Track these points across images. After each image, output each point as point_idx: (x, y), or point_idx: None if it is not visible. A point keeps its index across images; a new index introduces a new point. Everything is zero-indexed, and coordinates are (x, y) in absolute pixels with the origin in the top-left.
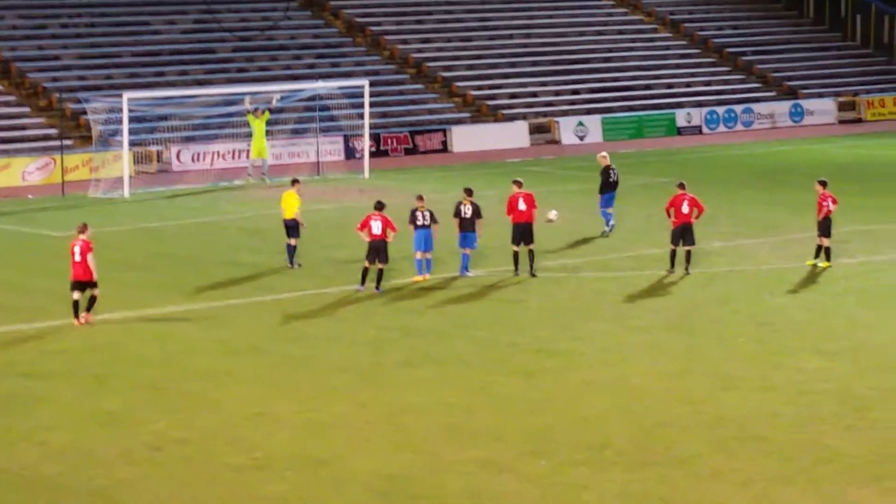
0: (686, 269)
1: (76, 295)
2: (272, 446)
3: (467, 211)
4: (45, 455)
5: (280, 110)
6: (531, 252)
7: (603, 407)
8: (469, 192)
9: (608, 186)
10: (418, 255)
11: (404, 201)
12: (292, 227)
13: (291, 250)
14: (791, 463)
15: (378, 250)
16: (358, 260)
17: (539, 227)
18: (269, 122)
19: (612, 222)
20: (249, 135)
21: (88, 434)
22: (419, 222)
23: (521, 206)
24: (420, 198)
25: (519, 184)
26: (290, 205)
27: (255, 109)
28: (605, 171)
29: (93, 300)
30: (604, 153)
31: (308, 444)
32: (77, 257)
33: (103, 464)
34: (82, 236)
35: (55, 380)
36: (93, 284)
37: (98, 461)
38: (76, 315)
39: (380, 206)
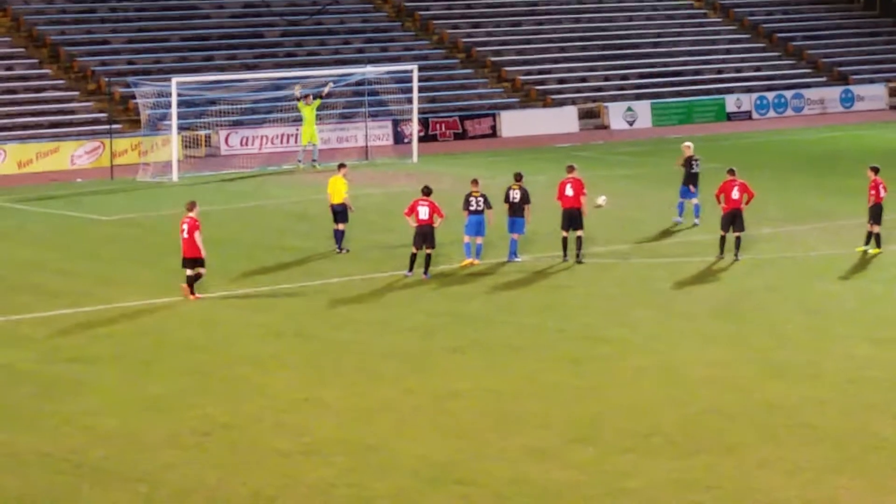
0: (735, 255)
1: (188, 271)
2: (319, 431)
3: (515, 196)
4: (91, 440)
5: (328, 95)
6: (579, 239)
7: (651, 394)
8: (518, 176)
9: (690, 177)
10: (467, 239)
11: (452, 186)
12: (340, 212)
13: (339, 235)
14: (840, 451)
15: (425, 235)
16: (406, 245)
17: (588, 213)
18: (318, 108)
19: (680, 216)
20: (298, 120)
21: (135, 419)
22: (472, 207)
23: (568, 191)
24: (475, 182)
25: (571, 169)
26: (338, 189)
27: (306, 96)
28: (688, 162)
29: (197, 277)
30: (688, 143)
31: (355, 430)
32: (185, 234)
33: (150, 448)
34: (191, 214)
35: (101, 364)
36: (200, 262)
37: (144, 446)
38: (191, 290)
39: (427, 192)
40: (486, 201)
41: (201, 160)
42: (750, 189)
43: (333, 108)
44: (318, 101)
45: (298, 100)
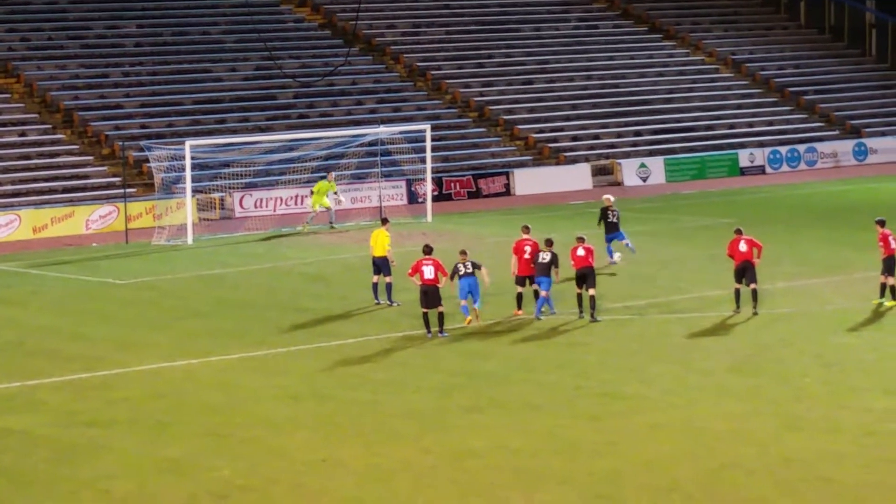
0: (754, 308)
1: (520, 288)
2: (337, 492)
3: (545, 257)
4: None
5: (342, 155)
6: (592, 298)
7: (669, 449)
8: (549, 242)
9: (608, 227)
10: (463, 303)
11: (467, 245)
12: (382, 265)
13: (387, 288)
14: None
15: (432, 295)
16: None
17: (603, 269)
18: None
19: (615, 256)
20: (311, 181)
21: (152, 482)
22: (461, 272)
23: (580, 252)
24: (463, 253)
25: (581, 240)
26: (380, 243)
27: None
28: (604, 212)
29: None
30: (608, 196)
31: (373, 490)
32: (527, 255)
33: None
34: (531, 236)
35: (118, 428)
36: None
37: None
38: (519, 307)
39: (429, 251)
40: (474, 264)
41: (216, 222)
42: (757, 242)
43: (347, 169)
44: (333, 185)
45: (324, 178)
